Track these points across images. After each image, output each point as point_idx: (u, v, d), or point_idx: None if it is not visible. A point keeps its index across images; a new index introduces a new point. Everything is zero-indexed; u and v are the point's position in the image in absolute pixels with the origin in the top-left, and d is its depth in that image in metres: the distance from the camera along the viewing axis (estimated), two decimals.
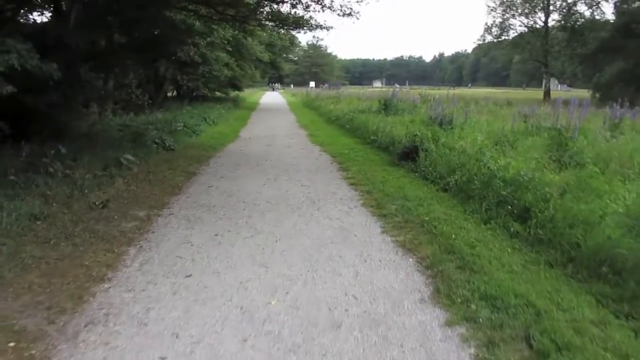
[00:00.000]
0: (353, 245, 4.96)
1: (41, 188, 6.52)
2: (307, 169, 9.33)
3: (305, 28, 12.38)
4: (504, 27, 35.79)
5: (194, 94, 20.46)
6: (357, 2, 11.39)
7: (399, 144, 10.15)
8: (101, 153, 8.84)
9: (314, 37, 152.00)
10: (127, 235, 5.16)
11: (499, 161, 6.83)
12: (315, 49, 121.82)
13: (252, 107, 32.87)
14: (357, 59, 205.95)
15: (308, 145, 13.07)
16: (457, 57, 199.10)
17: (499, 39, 36.72)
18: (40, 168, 7.25)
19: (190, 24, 12.44)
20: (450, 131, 10.11)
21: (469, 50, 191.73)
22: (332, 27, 13.66)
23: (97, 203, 6.14)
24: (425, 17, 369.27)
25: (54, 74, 6.43)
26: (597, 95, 32.23)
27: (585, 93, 45.91)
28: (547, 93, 34.73)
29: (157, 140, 10.78)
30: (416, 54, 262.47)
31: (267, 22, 12.36)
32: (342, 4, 11.12)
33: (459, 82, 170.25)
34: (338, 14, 11.47)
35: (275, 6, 11.24)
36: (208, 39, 13.49)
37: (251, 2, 10.66)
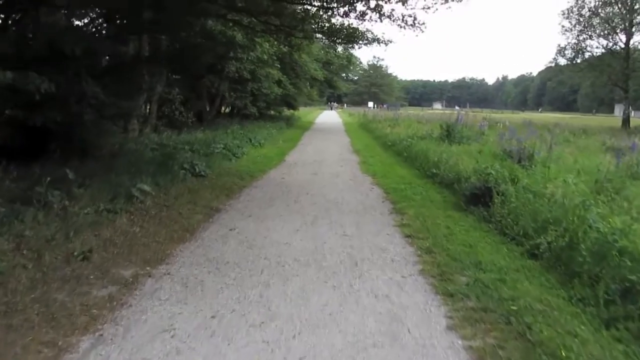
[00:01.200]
0: (405, 350, 3.33)
1: (23, 225, 5.28)
2: (354, 209, 7.74)
3: (360, 42, 10.78)
4: (579, 49, 33.01)
5: (243, 112, 19.42)
6: (425, 9, 9.68)
7: (466, 181, 8.41)
8: (115, 179, 7.62)
9: (374, 57, 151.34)
10: (90, 311, 3.74)
11: (611, 221, 5.00)
12: (375, 69, 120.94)
13: (306, 127, 31.69)
14: (418, 79, 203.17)
15: (358, 175, 11.49)
16: (522, 80, 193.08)
17: (574, 61, 33.83)
18: (33, 198, 6.05)
19: (230, 36, 11.22)
20: (532, 169, 8.24)
21: (534, 73, 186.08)
22: (391, 41, 11.88)
23: (76, 254, 4.79)
24: (489, 38, 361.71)
25: (42, 87, 5.19)
26: None
27: None
28: (626, 120, 31.59)
29: (185, 165, 9.52)
30: (478, 76, 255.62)
31: (315, 34, 10.87)
32: (404, 13, 9.49)
33: (523, 105, 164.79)
34: (400, 25, 9.79)
35: (325, 16, 9.76)
36: (252, 53, 12.17)
37: (298, 10, 9.26)
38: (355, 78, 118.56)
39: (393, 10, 9.31)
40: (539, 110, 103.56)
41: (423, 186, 9.58)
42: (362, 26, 10.09)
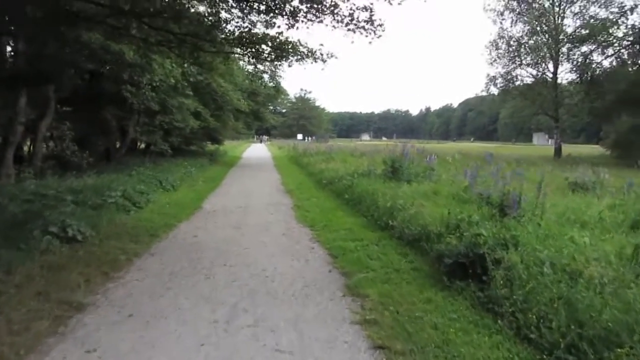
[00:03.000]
0: None
1: None
2: (290, 290, 5.36)
3: (290, 56, 8.25)
4: (509, 78, 32.81)
5: (154, 150, 16.68)
6: None
7: (438, 239, 6.33)
8: None
9: (301, 89, 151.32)
10: None
11: None
12: (303, 101, 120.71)
13: (232, 163, 29.12)
14: (345, 111, 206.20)
15: (293, 226, 9.17)
16: (444, 111, 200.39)
17: (507, 88, 33.49)
18: None
19: (115, 50, 8.68)
20: (523, 223, 6.23)
21: (455, 105, 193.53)
22: (331, 56, 9.07)
23: None
24: (412, 71, 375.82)
25: None
26: (613, 153, 29.11)
27: (590, 149, 42.92)
28: (558, 150, 31.35)
29: (53, 228, 6.82)
30: (403, 108, 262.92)
31: (232, 48, 8.41)
32: (354, 6, 6.94)
33: (445, 135, 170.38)
34: (349, 27, 7.29)
35: (242, 21, 7.32)
36: (149, 75, 9.63)
37: (206, 15, 6.89)
38: (284, 110, 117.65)
39: (336, 5, 6.90)
40: (471, 140, 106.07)
41: (378, 243, 7.38)
42: (294, 35, 7.72)
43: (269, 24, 7.53)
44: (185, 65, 9.43)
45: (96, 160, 16.44)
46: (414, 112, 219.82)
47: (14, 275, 5.28)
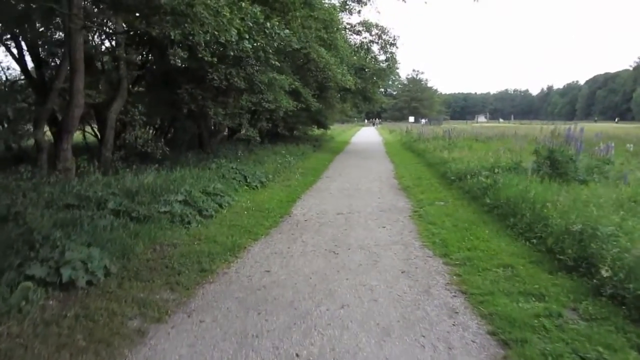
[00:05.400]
0: None
1: None
2: None
3: None
4: None
5: (239, 137, 14.30)
6: None
7: None
8: None
9: (413, 70, 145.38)
10: None
11: None
12: (415, 83, 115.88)
13: (339, 149, 26.36)
14: (458, 93, 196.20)
15: (417, 255, 6.03)
16: (569, 90, 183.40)
17: None
18: None
19: None
20: None
21: (582, 82, 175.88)
22: None
23: None
24: (532, 47, 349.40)
25: None
26: None
27: None
28: None
29: (37, 271, 4.35)
30: (522, 87, 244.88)
31: None
32: None
33: (571, 116, 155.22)
34: None
35: None
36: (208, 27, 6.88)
37: None
38: (394, 92, 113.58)
39: None
40: (616, 120, 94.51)
41: (581, 310, 4.09)
42: None
43: None
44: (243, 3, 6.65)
45: (189, 147, 14.44)
46: (534, 91, 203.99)
47: None
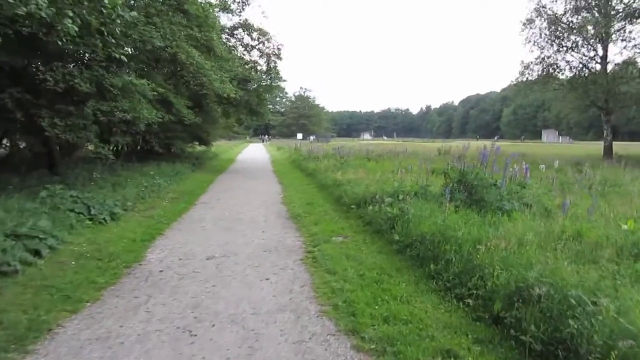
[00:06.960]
0: None
1: None
2: None
3: None
4: (549, 64, 27.55)
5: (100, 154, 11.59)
6: None
7: None
8: None
9: (300, 87, 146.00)
10: None
11: None
12: (303, 100, 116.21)
13: (222, 168, 24.02)
14: (344, 110, 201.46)
15: (313, 329, 4.15)
16: (445, 109, 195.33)
17: (549, 76, 28.15)
18: None
19: None
20: None
21: (456, 102, 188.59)
22: None
23: None
24: (412, 69, 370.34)
25: None
26: None
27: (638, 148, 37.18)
28: (609, 149, 26.22)
29: None
30: (403, 106, 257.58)
31: None
32: None
33: (448, 134, 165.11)
34: None
35: None
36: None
37: None
38: (282, 109, 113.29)
39: None
40: (522, 138, 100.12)
41: None
42: None
43: None
44: None
45: (33, 168, 11.39)
46: (415, 110, 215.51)
47: None
